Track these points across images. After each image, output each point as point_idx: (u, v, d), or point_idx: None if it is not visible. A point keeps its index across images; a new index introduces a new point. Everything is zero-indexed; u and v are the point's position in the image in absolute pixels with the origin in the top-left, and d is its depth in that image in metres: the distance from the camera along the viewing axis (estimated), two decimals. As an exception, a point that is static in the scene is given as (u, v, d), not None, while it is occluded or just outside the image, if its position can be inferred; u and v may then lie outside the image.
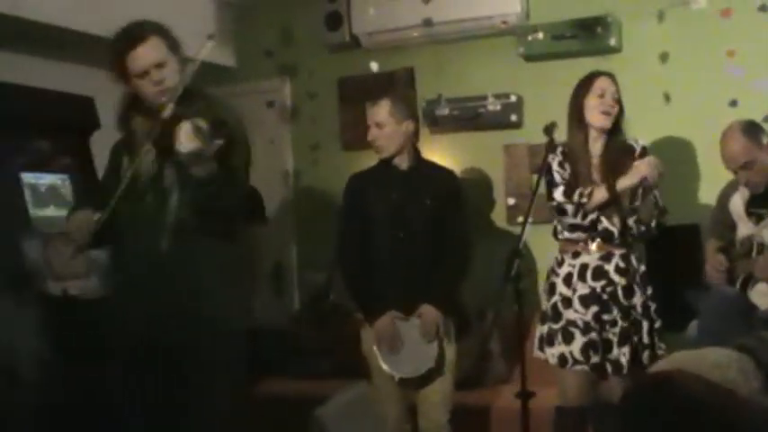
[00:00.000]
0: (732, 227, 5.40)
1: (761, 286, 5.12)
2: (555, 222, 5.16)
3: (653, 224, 5.08)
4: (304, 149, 7.81)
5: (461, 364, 5.61)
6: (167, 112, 4.07)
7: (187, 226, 4.18)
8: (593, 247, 5.02)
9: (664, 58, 6.66)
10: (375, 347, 5.31)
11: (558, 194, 4.99)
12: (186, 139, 3.87)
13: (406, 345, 5.28)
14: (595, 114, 5.02)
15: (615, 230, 5.00)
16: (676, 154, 6.55)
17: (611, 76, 5.11)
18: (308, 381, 6.57)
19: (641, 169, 4.85)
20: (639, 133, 6.48)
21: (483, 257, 5.49)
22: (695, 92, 6.55)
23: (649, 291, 5.10)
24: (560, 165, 5.02)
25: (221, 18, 7.66)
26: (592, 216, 4.98)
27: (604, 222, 4.99)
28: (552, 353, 5.01)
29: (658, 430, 2.25)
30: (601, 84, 5.03)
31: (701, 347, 2.46)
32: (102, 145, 5.22)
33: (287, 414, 5.08)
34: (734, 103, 6.37)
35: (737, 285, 5.21)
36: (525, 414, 4.35)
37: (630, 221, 5.04)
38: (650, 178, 4.82)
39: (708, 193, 6.00)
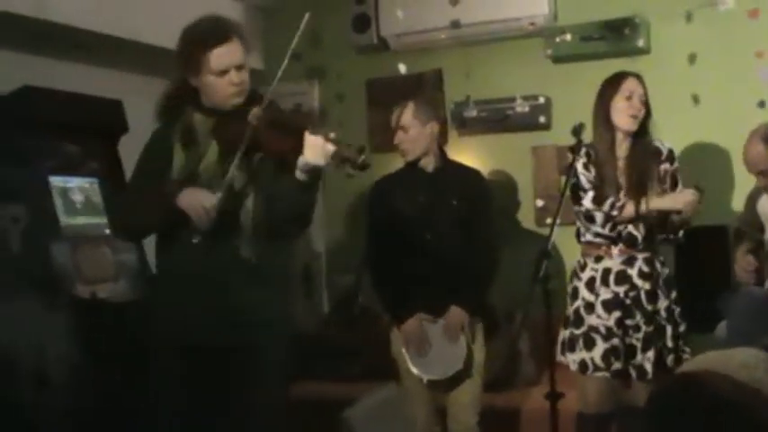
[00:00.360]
0: (761, 228, 5.39)
1: (790, 287, 5.13)
2: (578, 224, 5.11)
3: (680, 234, 5.03)
4: (333, 152, 7.81)
5: (490, 366, 5.61)
6: (255, 115, 4.07)
7: (263, 231, 4.17)
8: (616, 251, 4.95)
9: (692, 59, 6.66)
10: (404, 350, 5.32)
11: (588, 201, 4.94)
12: (321, 151, 3.88)
13: (435, 347, 5.29)
14: (623, 117, 4.95)
15: (639, 236, 4.94)
16: (705, 155, 6.57)
17: (638, 77, 5.03)
18: (338, 383, 6.57)
19: (680, 200, 4.83)
20: (668, 135, 6.46)
21: (511, 259, 5.49)
22: (723, 93, 6.56)
23: (674, 294, 5.02)
24: (585, 167, 4.97)
25: (249, 20, 7.67)
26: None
27: (629, 228, 4.93)
28: (573, 359, 4.95)
29: (686, 431, 2.25)
30: (628, 85, 4.96)
31: (730, 348, 2.46)
32: (130, 148, 5.23)
33: (317, 417, 5.09)
34: (762, 105, 6.39)
35: (766, 286, 5.21)
36: (554, 415, 4.34)
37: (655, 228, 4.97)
38: (685, 212, 4.80)
39: (736, 195, 6.00)
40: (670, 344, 4.92)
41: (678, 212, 4.81)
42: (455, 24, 6.99)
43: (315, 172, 3.95)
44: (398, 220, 5.40)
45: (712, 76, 6.61)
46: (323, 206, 7.79)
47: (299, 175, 3.94)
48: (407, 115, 5.41)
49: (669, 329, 4.93)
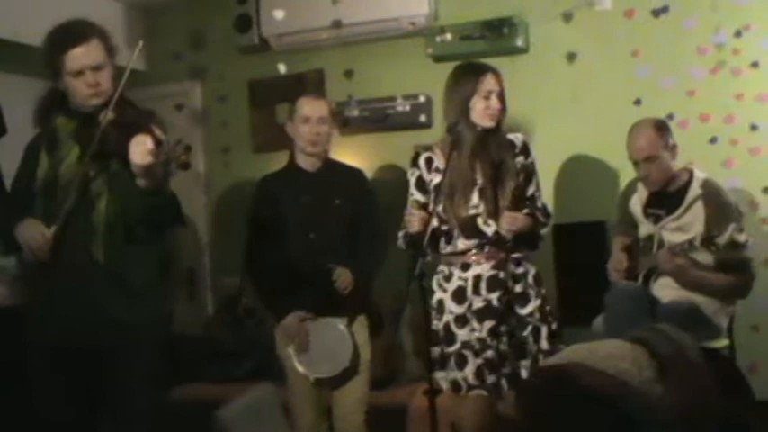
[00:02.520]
0: (635, 225, 5.50)
1: (663, 280, 5.23)
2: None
3: (541, 232, 4.94)
4: (215, 153, 7.80)
5: (375, 364, 5.62)
6: (105, 117, 4.06)
7: (117, 233, 4.16)
8: (485, 256, 4.83)
9: (570, 58, 6.76)
10: (290, 349, 5.31)
11: (420, 196, 4.94)
12: (145, 151, 3.84)
13: (321, 345, 5.29)
14: (483, 116, 4.81)
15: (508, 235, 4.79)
16: (583, 152, 6.66)
17: (495, 73, 4.87)
18: (224, 385, 6.54)
19: (506, 222, 4.73)
20: (547, 132, 6.61)
21: (395, 257, 5.51)
22: (601, 91, 6.67)
23: (544, 291, 4.94)
24: (419, 181, 4.98)
25: (130, 21, 7.61)
26: (480, 223, 4.81)
27: (494, 226, 4.79)
28: (444, 377, 4.78)
29: (554, 421, 2.29)
30: (487, 85, 4.80)
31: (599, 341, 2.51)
32: (8, 152, 5.15)
33: (202, 419, 5.07)
34: (638, 102, 6.49)
35: (640, 280, 5.31)
36: (433, 411, 4.35)
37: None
38: (506, 233, 4.73)
39: (614, 191, 6.09)
40: (546, 346, 4.80)
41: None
42: (336, 24, 7.00)
43: (151, 175, 3.92)
44: (282, 219, 5.38)
45: (590, 74, 6.71)
46: (206, 207, 7.78)
47: (138, 179, 3.94)
48: (327, 109, 5.48)
49: (544, 330, 4.83)
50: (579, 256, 6.33)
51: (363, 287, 5.40)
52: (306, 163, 5.44)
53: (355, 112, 7.10)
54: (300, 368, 5.29)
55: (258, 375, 6.11)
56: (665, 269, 5.14)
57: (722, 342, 5.28)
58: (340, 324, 5.29)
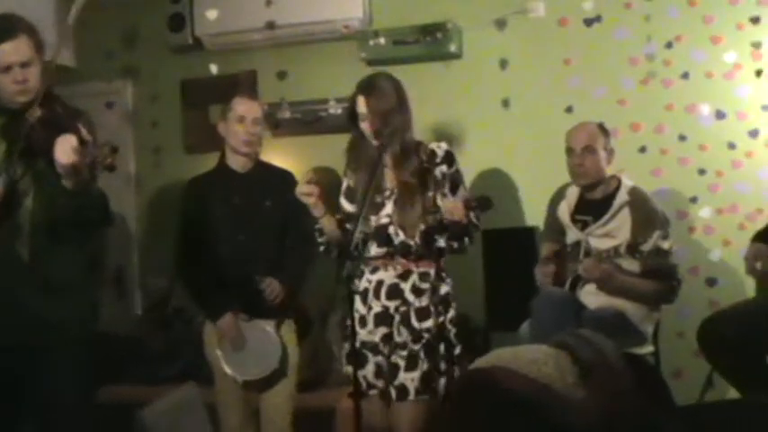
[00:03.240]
0: (563, 231, 5.55)
1: (589, 287, 5.29)
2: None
3: (465, 242, 4.82)
4: (146, 152, 7.74)
5: (303, 366, 5.62)
6: (33, 114, 4.01)
7: (43, 232, 4.12)
8: (393, 264, 4.79)
9: (503, 64, 6.79)
10: (218, 350, 5.29)
11: (345, 203, 4.96)
12: (70, 150, 3.80)
13: (250, 347, 5.26)
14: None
15: (413, 245, 4.76)
16: (514, 159, 6.70)
17: (365, 96, 4.78)
18: (152, 386, 6.48)
19: (448, 208, 4.64)
20: (478, 138, 6.63)
21: (325, 260, 5.50)
22: (533, 98, 6.71)
23: (451, 313, 4.82)
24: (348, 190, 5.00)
25: (60, 17, 7.53)
26: (391, 231, 4.77)
27: (401, 236, 4.76)
28: (350, 371, 4.71)
29: (478, 425, 2.30)
30: (358, 107, 4.80)
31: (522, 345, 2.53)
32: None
33: (127, 420, 5.03)
34: (570, 110, 6.53)
35: (567, 286, 5.36)
36: (358, 414, 4.35)
37: (437, 236, 4.79)
38: (449, 217, 4.62)
39: (544, 197, 6.13)
40: (442, 366, 4.72)
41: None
42: (270, 25, 6.97)
43: (76, 175, 3.89)
44: (211, 220, 5.36)
45: (523, 81, 6.74)
46: (136, 207, 7.73)
47: (63, 179, 3.91)
48: (260, 110, 5.47)
49: (441, 349, 4.74)
50: (508, 261, 6.36)
51: (292, 292, 5.39)
52: (236, 164, 5.41)
53: (287, 114, 7.09)
54: (228, 370, 5.26)
55: (187, 376, 6.06)
56: (590, 276, 5.19)
57: (647, 348, 5.35)
58: (268, 326, 5.26)
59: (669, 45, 6.42)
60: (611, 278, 5.16)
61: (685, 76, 6.40)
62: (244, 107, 5.39)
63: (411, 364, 4.69)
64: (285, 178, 5.53)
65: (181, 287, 6.09)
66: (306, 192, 4.70)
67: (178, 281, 5.95)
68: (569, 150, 5.47)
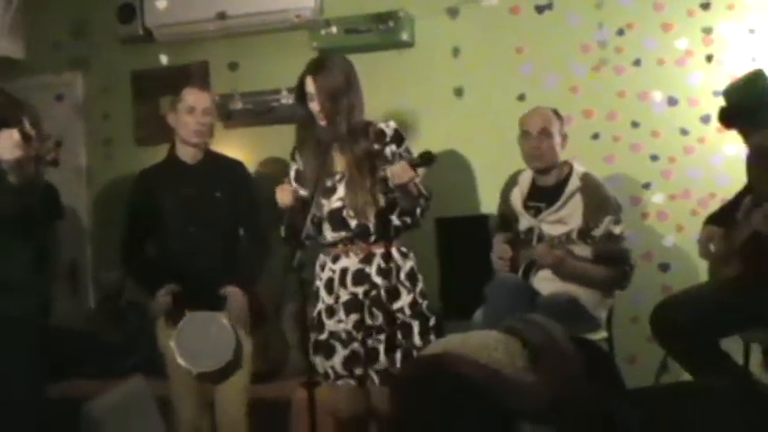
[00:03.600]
0: (516, 219, 5.57)
1: (543, 273, 5.31)
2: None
3: (417, 214, 4.84)
4: (97, 145, 7.68)
5: (258, 357, 5.60)
6: None
7: None
8: (354, 249, 4.82)
9: (455, 52, 6.78)
10: (171, 342, 5.25)
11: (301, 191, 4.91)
12: (12, 145, 3.76)
13: (203, 338, 5.22)
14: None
15: (371, 227, 4.79)
16: (467, 147, 6.71)
17: (312, 75, 4.80)
18: (107, 380, 6.43)
19: (396, 173, 4.61)
20: (430, 126, 6.63)
21: (278, 249, 5.47)
22: (485, 86, 6.71)
23: (419, 287, 4.89)
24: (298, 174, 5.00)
25: (8, 8, 7.47)
26: (345, 215, 4.80)
27: (357, 220, 4.78)
28: (318, 363, 4.82)
29: (428, 412, 2.29)
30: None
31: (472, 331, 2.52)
32: None
33: (78, 415, 4.99)
34: (522, 98, 6.53)
35: (520, 273, 5.37)
36: (312, 404, 4.35)
37: (391, 216, 4.79)
38: (397, 180, 4.59)
39: (498, 185, 6.12)
40: (418, 342, 4.76)
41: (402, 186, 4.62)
42: (221, 16, 6.93)
43: (21, 170, 3.85)
44: (161, 212, 5.32)
45: (475, 69, 6.74)
46: (87, 200, 7.67)
47: (8, 175, 3.87)
48: (210, 100, 5.43)
49: (416, 326, 4.79)
50: (462, 249, 6.37)
51: (250, 276, 5.38)
52: (186, 155, 5.38)
53: (239, 105, 7.06)
54: (182, 362, 5.22)
55: (142, 370, 6.02)
56: (543, 261, 5.21)
57: (601, 334, 5.37)
58: (222, 318, 5.23)
59: (621, 32, 6.43)
60: (564, 264, 5.18)
61: (637, 62, 6.42)
62: (193, 97, 5.35)
63: (390, 347, 4.71)
64: (236, 169, 5.51)
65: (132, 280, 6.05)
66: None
67: (125, 272, 5.91)
68: (525, 134, 5.48)
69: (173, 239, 5.32)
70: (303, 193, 4.88)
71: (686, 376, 5.21)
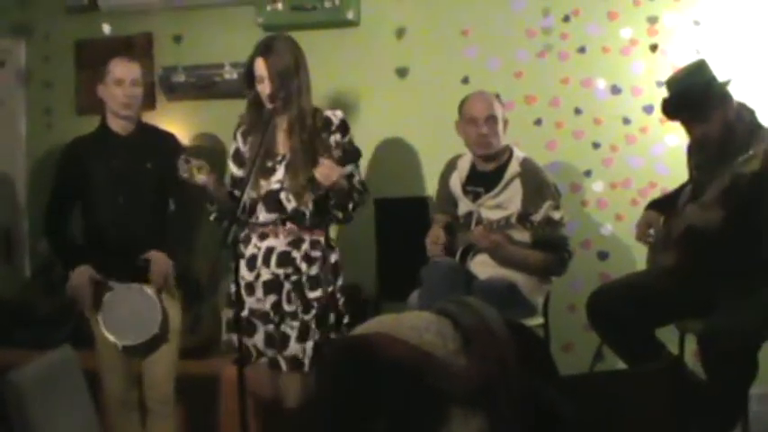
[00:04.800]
0: (455, 202, 5.56)
1: (480, 257, 5.31)
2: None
3: (350, 207, 4.90)
4: (37, 113, 7.57)
5: (190, 333, 5.57)
6: None
7: None
8: (283, 231, 4.84)
9: (400, 33, 6.75)
10: (98, 315, 5.20)
11: (234, 167, 4.96)
12: None
13: (130, 311, 5.18)
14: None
15: (307, 212, 4.83)
16: (409, 129, 6.69)
17: (264, 58, 4.82)
18: (40, 351, 6.36)
19: (322, 172, 4.66)
20: (374, 107, 6.61)
21: (213, 225, 5.42)
22: (429, 68, 6.69)
23: (340, 281, 4.94)
24: (236, 153, 5.03)
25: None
26: (282, 197, 4.82)
27: (293, 203, 4.81)
28: (236, 341, 4.61)
29: (356, 392, 2.28)
30: (257, 70, 4.84)
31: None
32: None
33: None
34: (466, 81, 6.53)
35: (457, 257, 5.37)
36: (242, 380, 4.34)
37: (328, 203, 4.82)
38: (325, 181, 4.66)
39: (437, 167, 6.10)
40: (333, 335, 4.78)
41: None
42: (167, -12, 6.88)
43: None
44: (90, 183, 5.29)
45: (419, 51, 6.71)
46: (26, 169, 7.58)
47: None
48: (138, 71, 5.39)
49: (332, 318, 4.82)
50: (400, 231, 6.35)
51: (179, 252, 5.35)
52: (118, 126, 5.34)
53: (182, 78, 6.99)
54: (108, 335, 5.17)
55: (75, 341, 5.96)
56: (480, 245, 5.21)
57: (537, 320, 5.39)
58: (148, 290, 5.19)
59: (566, 18, 6.43)
60: (501, 248, 5.18)
61: (582, 50, 6.42)
62: (121, 69, 5.33)
63: (302, 334, 4.73)
64: (167, 140, 5.50)
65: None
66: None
67: (46, 241, 5.85)
68: (471, 120, 5.45)
69: (101, 210, 5.29)
70: (238, 172, 4.88)
71: (621, 365, 5.23)
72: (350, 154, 4.82)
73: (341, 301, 4.90)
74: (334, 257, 4.91)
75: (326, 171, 4.61)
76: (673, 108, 4.99)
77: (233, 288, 4.63)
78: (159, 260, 5.20)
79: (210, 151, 6.71)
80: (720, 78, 4.88)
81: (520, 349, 2.52)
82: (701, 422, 4.63)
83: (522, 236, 5.22)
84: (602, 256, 6.38)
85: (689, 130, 5.03)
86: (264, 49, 4.80)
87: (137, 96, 5.34)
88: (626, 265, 6.09)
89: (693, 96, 4.83)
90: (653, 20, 6.28)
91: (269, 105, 4.75)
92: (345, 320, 4.88)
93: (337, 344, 2.37)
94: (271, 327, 4.76)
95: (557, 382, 2.78)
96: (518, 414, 2.44)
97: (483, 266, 5.30)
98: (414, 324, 2.40)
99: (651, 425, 3.02)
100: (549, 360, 2.84)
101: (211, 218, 4.96)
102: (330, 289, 4.82)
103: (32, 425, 3.55)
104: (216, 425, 5.95)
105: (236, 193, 4.79)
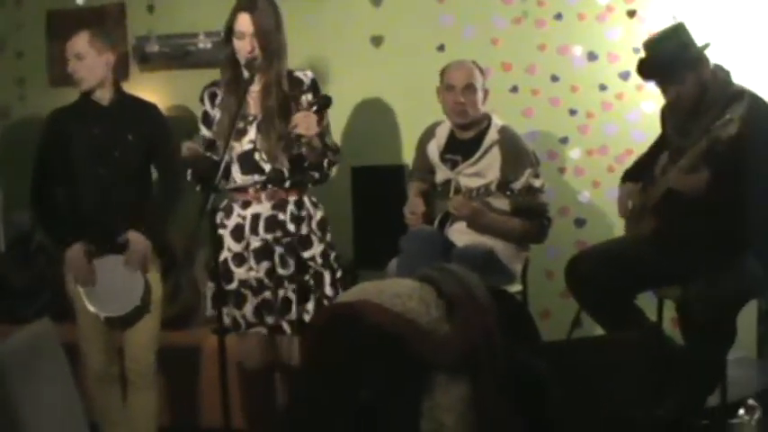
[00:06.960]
0: (432, 171, 5.55)
1: (458, 225, 5.31)
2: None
3: (325, 166, 4.84)
4: (10, 84, 7.51)
5: (170, 304, 5.55)
6: None
7: None
8: (265, 195, 4.79)
9: (375, 1, 6.71)
10: (79, 287, 5.17)
11: (204, 130, 4.91)
12: None
13: (112, 282, 5.15)
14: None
15: (286, 172, 4.77)
16: (385, 97, 6.67)
17: (250, 12, 4.71)
18: (14, 324, 6.33)
19: (300, 122, 4.57)
20: (349, 76, 6.57)
21: (193, 195, 5.39)
22: (405, 36, 6.65)
23: (329, 237, 4.92)
24: (206, 116, 4.96)
25: None
26: (257, 158, 4.76)
27: (271, 164, 4.76)
28: (225, 314, 4.70)
29: (340, 358, 2.27)
30: (239, 26, 4.74)
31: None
32: None
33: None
34: (441, 48, 6.51)
35: (436, 224, 5.36)
36: (222, 351, 4.33)
37: (302, 163, 4.77)
38: (308, 132, 4.58)
39: (414, 136, 6.08)
40: (329, 292, 4.79)
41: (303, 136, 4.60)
42: (137, -43, 6.83)
43: None
44: (71, 153, 5.23)
45: (395, 18, 6.68)
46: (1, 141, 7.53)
47: None
48: (82, 42, 5.25)
49: (327, 276, 4.83)
50: (377, 199, 6.33)
51: (159, 219, 5.32)
52: (98, 96, 5.29)
53: (155, 48, 6.94)
54: (90, 306, 5.14)
55: (50, 314, 5.93)
56: (459, 213, 5.20)
57: (516, 287, 5.39)
58: None
59: (543, -16, 6.42)
60: (480, 215, 5.18)
61: (558, 16, 6.40)
62: (69, 44, 5.33)
63: (303, 296, 4.70)
64: (149, 111, 5.44)
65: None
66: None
67: (33, 213, 5.81)
68: (449, 88, 5.43)
69: (82, 180, 5.22)
70: (208, 134, 4.86)
71: (599, 331, 5.24)
72: (321, 101, 4.74)
73: (332, 256, 4.89)
74: (319, 214, 4.90)
75: (306, 121, 4.56)
76: (648, 69, 4.99)
77: (214, 262, 4.64)
78: (137, 241, 5.15)
79: (186, 121, 6.68)
80: (699, 43, 4.88)
81: (503, 316, 2.51)
82: (679, 388, 4.65)
83: (501, 203, 5.22)
84: (580, 223, 6.39)
85: (663, 91, 5.02)
86: (248, 4, 4.72)
87: (78, 70, 5.27)
88: (603, 232, 6.10)
89: (668, 57, 4.82)
90: (629, -14, 6.27)
91: (246, 62, 4.70)
92: (339, 275, 4.89)
93: (322, 312, 2.35)
94: (266, 293, 4.73)
95: (540, 348, 2.78)
96: (501, 380, 2.43)
97: (461, 234, 5.30)
98: (397, 291, 2.39)
99: (630, 390, 3.03)
100: (533, 327, 2.84)
101: (188, 178, 4.91)
102: (321, 246, 4.83)
103: (13, 399, 3.52)
104: (196, 395, 5.95)
105: (212, 156, 4.76)
